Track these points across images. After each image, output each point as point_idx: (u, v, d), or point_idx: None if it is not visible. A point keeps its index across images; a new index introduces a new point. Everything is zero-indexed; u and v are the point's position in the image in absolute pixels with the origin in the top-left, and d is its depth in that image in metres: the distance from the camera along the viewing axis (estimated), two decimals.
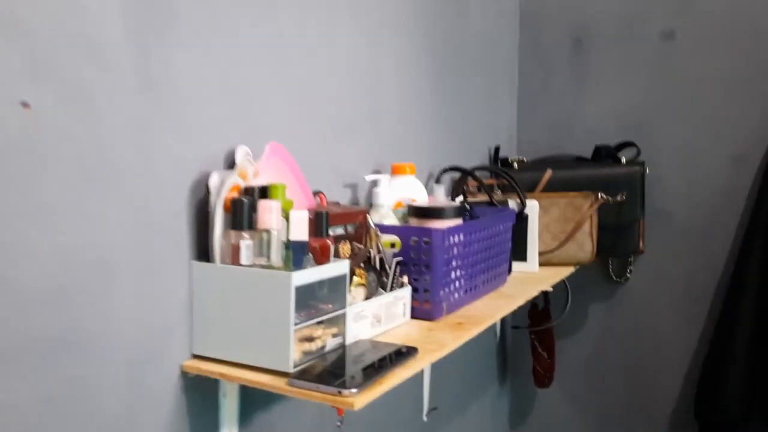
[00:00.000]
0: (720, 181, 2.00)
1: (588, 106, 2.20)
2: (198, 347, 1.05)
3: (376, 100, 1.53)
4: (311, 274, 1.00)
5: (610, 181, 1.93)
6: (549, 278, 1.70)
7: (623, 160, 1.99)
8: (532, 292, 1.55)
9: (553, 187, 1.93)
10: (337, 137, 1.40)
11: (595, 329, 2.23)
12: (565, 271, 1.81)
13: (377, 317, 1.17)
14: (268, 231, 1.01)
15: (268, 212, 1.00)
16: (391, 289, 1.22)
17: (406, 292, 1.26)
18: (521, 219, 1.72)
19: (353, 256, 1.17)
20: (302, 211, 1.04)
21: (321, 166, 1.35)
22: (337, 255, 1.12)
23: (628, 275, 2.16)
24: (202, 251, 1.05)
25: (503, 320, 2.31)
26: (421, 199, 1.49)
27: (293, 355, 0.97)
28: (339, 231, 1.25)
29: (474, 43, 2.02)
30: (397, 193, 1.47)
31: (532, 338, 2.21)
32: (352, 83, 1.44)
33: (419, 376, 1.80)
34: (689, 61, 2.03)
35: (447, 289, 1.30)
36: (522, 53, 2.30)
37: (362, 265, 1.17)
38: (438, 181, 1.72)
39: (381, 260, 1.23)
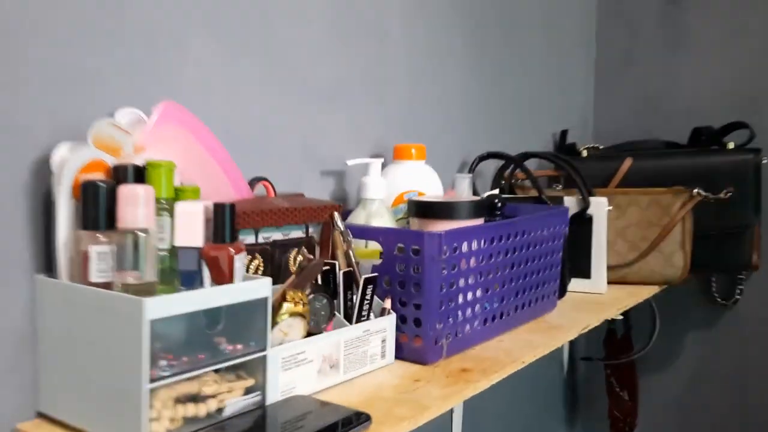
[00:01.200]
0: None
1: (685, 80, 1.74)
2: (44, 403, 0.71)
3: (382, 56, 1.15)
4: (188, 301, 0.64)
5: (711, 172, 1.45)
6: (620, 302, 1.27)
7: (730, 145, 1.51)
8: (591, 322, 1.13)
9: (633, 180, 1.48)
10: (315, 106, 1.03)
11: (690, 365, 1.76)
12: (644, 293, 1.36)
13: (332, 361, 0.80)
14: (133, 233, 0.66)
15: (132, 203, 0.66)
16: (359, 320, 0.85)
17: (387, 323, 0.88)
18: (583, 221, 1.29)
19: (299, 272, 0.80)
20: (194, 204, 0.69)
21: (286, 146, 0.99)
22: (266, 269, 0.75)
23: (737, 297, 1.67)
24: (49, 261, 0.72)
25: (571, 349, 1.87)
26: (434, 191, 1.10)
27: (147, 429, 0.62)
28: (295, 234, 0.89)
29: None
30: (399, 183, 1.09)
31: (608, 374, 1.76)
32: (342, 28, 1.07)
33: (446, 419, 1.41)
34: None
35: (450, 320, 0.91)
36: (601, 14, 1.86)
37: (311, 284, 0.80)
38: (472, 170, 1.32)
39: (348, 277, 0.85)
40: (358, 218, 1.00)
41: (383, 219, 1.00)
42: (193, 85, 0.86)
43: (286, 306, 0.74)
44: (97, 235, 0.67)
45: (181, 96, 0.84)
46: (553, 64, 1.68)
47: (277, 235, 0.87)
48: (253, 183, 0.88)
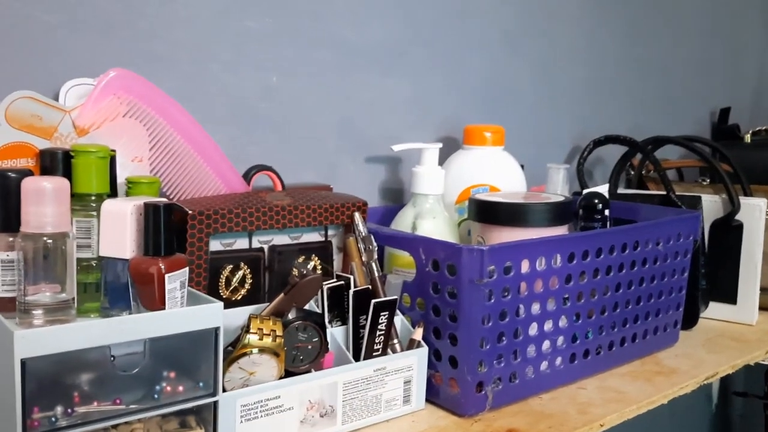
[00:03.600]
0: None
1: None
2: None
3: (461, 7, 0.93)
4: (77, 336, 0.48)
5: None
6: None
7: None
8: (723, 367, 0.84)
9: None
10: (360, 74, 0.84)
11: None
12: None
13: (323, 408, 0.62)
14: (41, 237, 0.51)
15: (37, 201, 0.51)
16: (369, 355, 0.66)
17: (414, 360, 0.68)
18: (729, 228, 0.99)
19: (288, 291, 0.62)
20: (121, 202, 0.53)
21: (315, 124, 0.81)
22: (229, 286, 0.59)
23: None
24: None
25: (723, 381, 1.52)
26: (513, 185, 0.87)
27: None
28: (310, 237, 0.71)
29: None
30: (466, 175, 0.87)
31: None
32: None
33: None
34: None
35: (501, 361, 0.69)
36: None
37: (297, 310, 0.62)
38: (583, 159, 1.06)
39: (361, 298, 0.66)
40: (404, 219, 0.80)
41: (436, 221, 0.80)
42: (182, 47, 0.71)
43: (250, 338, 0.57)
44: (9, 238, 0.53)
45: (167, 63, 0.69)
46: (716, 24, 1.34)
47: (281, 239, 0.69)
48: (251, 173, 0.71)
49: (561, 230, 0.77)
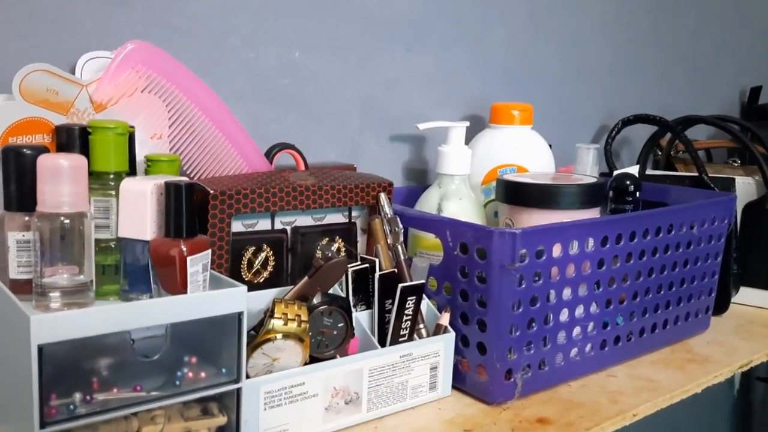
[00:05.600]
0: None
1: None
2: None
3: None
4: (99, 321, 0.46)
5: None
6: None
7: None
8: (757, 355, 0.82)
9: None
10: (385, 48, 0.81)
11: None
12: None
13: (348, 395, 0.60)
14: (58, 217, 0.49)
15: (52, 178, 0.49)
16: (396, 341, 0.63)
17: (441, 345, 0.66)
18: (762, 212, 0.96)
19: (312, 275, 0.60)
20: (141, 181, 0.51)
21: (339, 101, 0.78)
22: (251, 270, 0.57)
23: None
24: None
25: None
26: (542, 166, 0.84)
27: None
28: (333, 219, 0.69)
29: None
30: (493, 155, 0.84)
31: None
32: None
33: None
34: None
35: (531, 348, 0.67)
36: None
37: (315, 297, 0.60)
38: (612, 138, 1.03)
39: (387, 282, 0.64)
40: (430, 199, 0.78)
41: (462, 202, 0.77)
42: (201, 20, 0.68)
43: (274, 323, 0.55)
44: (25, 218, 0.51)
45: (186, 36, 0.66)
46: (746, 1, 1.30)
47: (304, 221, 0.67)
48: (273, 152, 0.68)
49: (592, 213, 0.74)
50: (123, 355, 0.49)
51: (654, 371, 0.75)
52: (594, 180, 0.75)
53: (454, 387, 0.68)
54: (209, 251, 0.52)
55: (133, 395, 0.49)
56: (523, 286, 0.64)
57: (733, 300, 0.98)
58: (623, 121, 1.03)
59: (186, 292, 0.50)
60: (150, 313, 0.48)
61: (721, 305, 0.92)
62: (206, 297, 0.51)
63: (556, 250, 0.66)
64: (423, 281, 0.64)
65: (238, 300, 0.52)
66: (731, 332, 0.88)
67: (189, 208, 0.51)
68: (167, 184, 0.51)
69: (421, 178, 0.88)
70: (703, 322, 0.87)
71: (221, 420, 0.54)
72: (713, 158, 1.22)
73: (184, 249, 0.50)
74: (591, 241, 0.68)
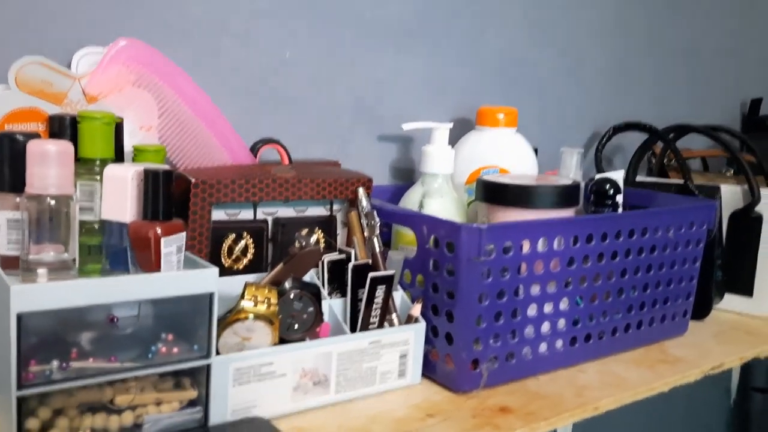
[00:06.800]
0: None
1: None
2: None
3: None
4: (74, 293, 0.50)
5: None
6: None
7: None
8: (729, 358, 0.83)
9: None
10: (376, 49, 0.84)
11: None
12: None
13: (317, 377, 0.63)
14: (45, 198, 0.54)
15: (40, 162, 0.53)
16: (365, 327, 0.67)
17: (411, 334, 0.69)
18: (748, 220, 0.97)
19: (287, 262, 0.64)
20: (123, 168, 0.55)
21: (329, 100, 0.82)
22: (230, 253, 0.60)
23: None
24: None
25: (744, 373, 1.49)
26: (524, 168, 0.87)
27: None
28: (315, 211, 0.73)
29: None
30: (477, 156, 0.87)
31: None
32: None
33: None
34: None
35: (497, 340, 0.69)
36: None
37: (290, 282, 0.63)
38: (602, 145, 1.05)
39: (360, 272, 0.67)
40: (412, 197, 0.81)
41: (443, 200, 0.80)
42: (195, 19, 0.72)
43: (244, 304, 0.59)
44: (15, 198, 0.56)
45: (180, 34, 0.70)
46: (750, 10, 1.31)
47: (286, 212, 0.71)
48: (258, 146, 0.72)
49: (567, 213, 0.77)
50: (101, 328, 0.53)
51: (624, 369, 0.78)
52: (569, 182, 0.78)
53: (425, 376, 0.71)
54: (183, 234, 0.56)
55: (108, 365, 0.53)
56: (490, 279, 0.66)
57: (718, 306, 0.99)
58: (614, 127, 1.05)
59: (160, 271, 0.54)
60: (123, 289, 0.52)
61: (702, 310, 0.94)
62: (178, 276, 0.55)
63: (525, 247, 0.68)
64: (393, 272, 0.67)
65: (209, 280, 0.56)
66: (710, 337, 0.90)
67: (166, 194, 0.55)
68: (146, 171, 0.54)
69: (407, 176, 0.91)
70: (680, 326, 0.88)
71: (192, 393, 0.58)
72: (710, 168, 1.24)
73: (159, 231, 0.54)
74: (560, 240, 0.71)
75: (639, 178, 1.07)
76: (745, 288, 0.99)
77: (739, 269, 0.98)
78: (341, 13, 0.81)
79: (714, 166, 1.24)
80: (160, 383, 0.57)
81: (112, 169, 0.55)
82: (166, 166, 0.56)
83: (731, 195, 0.99)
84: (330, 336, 0.65)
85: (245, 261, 0.68)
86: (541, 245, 0.70)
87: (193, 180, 0.62)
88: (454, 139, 0.88)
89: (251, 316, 0.59)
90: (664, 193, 0.94)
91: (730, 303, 0.99)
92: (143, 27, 0.69)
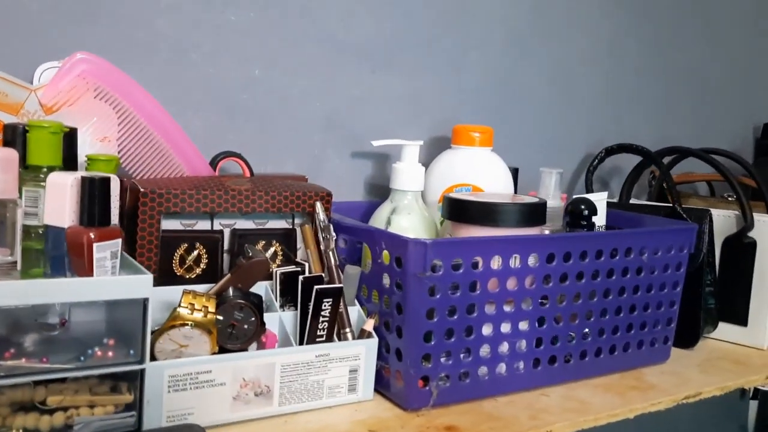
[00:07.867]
0: None
1: None
2: None
3: (463, 2, 0.93)
4: (5, 291, 0.52)
5: None
6: None
7: None
8: (707, 388, 0.80)
9: None
10: (350, 69, 0.85)
11: None
12: None
13: (259, 388, 0.63)
14: None
15: None
16: (312, 341, 0.67)
17: (362, 349, 0.68)
18: (741, 246, 0.94)
19: (234, 272, 0.65)
20: (63, 175, 0.57)
21: (300, 117, 0.83)
22: (178, 262, 0.61)
23: None
24: None
25: (763, 410, 1.42)
26: (499, 187, 0.86)
27: None
28: (275, 224, 0.73)
29: None
30: (451, 174, 0.86)
31: None
32: None
33: None
34: None
35: (449, 358, 0.68)
36: None
37: (232, 293, 0.64)
38: (593, 167, 1.03)
39: (311, 285, 0.67)
40: (381, 214, 0.81)
41: (411, 217, 0.80)
42: (163, 35, 0.74)
43: (180, 311, 0.59)
44: None
45: (148, 50, 0.72)
46: (760, 32, 1.28)
47: (245, 224, 0.72)
48: (218, 159, 0.73)
49: (532, 232, 0.75)
50: (36, 331, 0.55)
51: (591, 394, 0.75)
52: (534, 200, 0.76)
53: (378, 392, 0.70)
54: (119, 240, 0.57)
55: (37, 366, 0.55)
56: (438, 296, 0.66)
57: (711, 335, 0.96)
58: (606, 149, 1.04)
59: (92, 276, 0.56)
60: (50, 291, 0.53)
61: (690, 339, 0.91)
62: (109, 281, 0.56)
63: (479, 264, 0.68)
64: (340, 285, 0.67)
65: (143, 286, 0.57)
66: (694, 365, 0.86)
67: (102, 200, 0.56)
68: (83, 178, 0.56)
69: (382, 193, 0.91)
70: (661, 352, 0.85)
71: (127, 398, 0.59)
72: (716, 192, 1.20)
73: (92, 236, 0.55)
74: (517, 258, 0.70)
75: (633, 201, 1.04)
76: (739, 317, 0.95)
77: (732, 297, 0.95)
78: (313, 33, 0.82)
79: (721, 191, 1.20)
80: (96, 387, 0.58)
81: (53, 177, 0.57)
82: (107, 174, 0.58)
83: (724, 220, 0.95)
84: (277, 347, 0.66)
85: (198, 271, 0.69)
86: (496, 263, 0.69)
87: (142, 189, 0.63)
88: (432, 157, 0.89)
89: (190, 323, 0.59)
90: (650, 216, 0.91)
91: (724, 333, 0.96)
92: (109, 42, 0.72)
